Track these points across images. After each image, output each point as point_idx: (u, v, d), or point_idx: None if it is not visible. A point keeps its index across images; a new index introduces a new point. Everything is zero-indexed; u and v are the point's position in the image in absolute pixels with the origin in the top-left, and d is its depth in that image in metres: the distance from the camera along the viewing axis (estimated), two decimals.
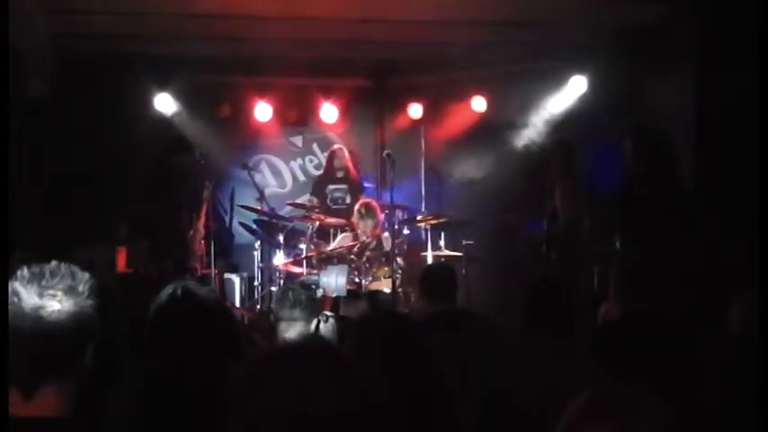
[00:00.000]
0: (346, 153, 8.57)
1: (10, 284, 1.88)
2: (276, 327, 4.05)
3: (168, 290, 2.82)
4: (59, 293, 1.87)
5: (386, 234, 7.57)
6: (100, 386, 2.17)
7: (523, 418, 2.97)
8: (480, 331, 4.29)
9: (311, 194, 8.60)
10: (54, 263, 1.92)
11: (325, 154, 9.13)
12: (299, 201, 8.55)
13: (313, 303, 4.12)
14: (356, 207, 7.58)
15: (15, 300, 1.85)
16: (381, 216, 7.58)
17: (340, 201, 8.42)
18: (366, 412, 1.44)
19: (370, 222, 7.41)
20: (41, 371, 1.87)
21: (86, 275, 1.94)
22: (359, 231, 7.48)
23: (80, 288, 1.90)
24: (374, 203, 7.67)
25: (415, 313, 6.10)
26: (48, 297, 1.86)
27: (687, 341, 3.39)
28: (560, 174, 7.00)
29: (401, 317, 2.54)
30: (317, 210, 7.95)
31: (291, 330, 3.93)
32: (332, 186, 8.51)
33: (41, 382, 1.87)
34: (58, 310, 1.86)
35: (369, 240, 7.43)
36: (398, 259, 7.35)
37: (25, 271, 1.89)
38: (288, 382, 1.44)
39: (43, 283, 1.87)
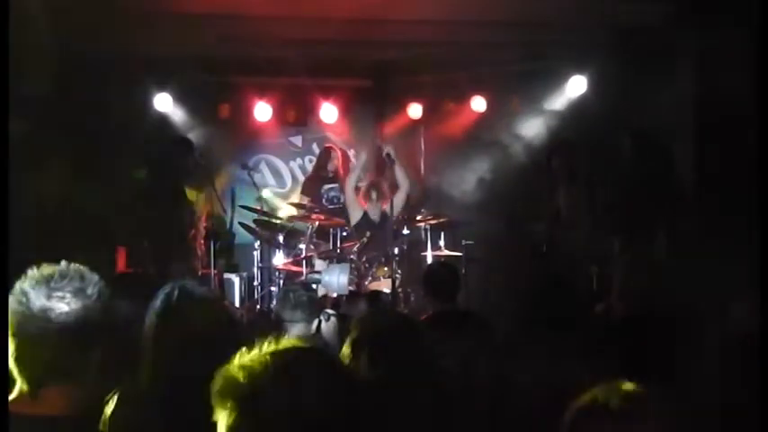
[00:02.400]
0: (339, 152, 8.60)
1: (19, 285, 1.88)
2: (278, 327, 4.06)
3: (165, 289, 2.83)
4: (68, 296, 1.87)
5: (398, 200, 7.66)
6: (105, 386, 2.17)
7: (524, 417, 2.97)
8: (482, 331, 4.30)
9: (302, 194, 8.55)
10: (64, 264, 1.92)
11: None
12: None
13: (314, 304, 4.12)
14: (362, 186, 7.69)
15: (24, 300, 1.86)
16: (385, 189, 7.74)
17: (335, 200, 8.41)
18: (357, 413, 1.44)
19: (374, 194, 7.58)
20: (48, 371, 1.88)
21: (95, 277, 1.94)
22: (367, 207, 7.60)
23: (88, 291, 1.90)
24: (380, 177, 7.84)
25: (416, 312, 6.11)
26: (56, 299, 1.86)
27: (687, 341, 3.39)
28: (563, 174, 7.00)
29: (401, 316, 2.54)
30: (316, 210, 7.95)
31: (293, 331, 3.93)
32: (327, 186, 8.49)
33: (48, 382, 1.87)
34: (66, 313, 1.86)
35: (366, 241, 7.47)
36: (398, 259, 7.37)
37: (35, 272, 1.89)
38: (277, 383, 1.44)
39: (52, 284, 1.87)
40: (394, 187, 7.72)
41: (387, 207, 7.38)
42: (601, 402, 1.64)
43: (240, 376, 1.50)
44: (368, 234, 7.54)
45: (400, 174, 7.76)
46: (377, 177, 7.89)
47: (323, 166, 8.49)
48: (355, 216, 7.80)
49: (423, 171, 8.72)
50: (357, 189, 7.88)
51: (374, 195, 7.64)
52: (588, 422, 1.61)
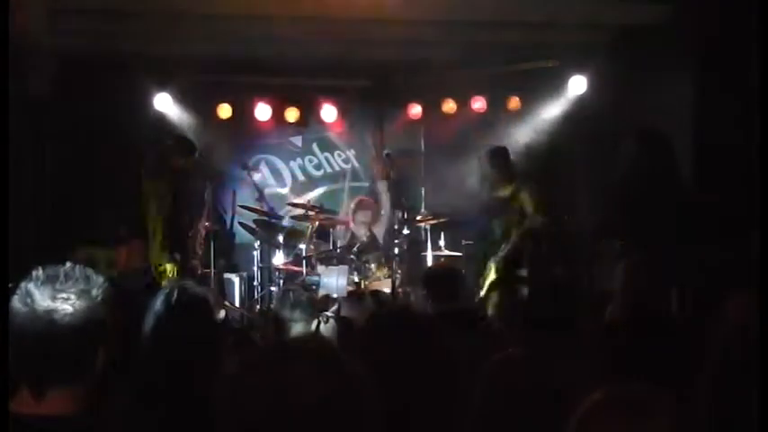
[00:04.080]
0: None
1: (24, 285, 1.88)
2: (277, 327, 4.06)
3: (164, 290, 2.83)
4: (72, 297, 1.87)
5: (380, 220, 7.68)
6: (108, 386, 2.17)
7: (526, 418, 2.97)
8: (486, 331, 4.30)
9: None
10: (69, 265, 1.92)
11: (325, 154, 9.27)
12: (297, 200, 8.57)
13: (313, 304, 4.13)
14: (352, 206, 7.74)
15: (28, 301, 1.85)
16: (375, 207, 7.75)
17: None
18: (354, 410, 1.44)
19: (362, 214, 7.59)
20: (52, 373, 1.88)
21: (100, 279, 1.94)
22: (353, 227, 7.62)
23: (93, 292, 1.90)
24: (369, 199, 7.81)
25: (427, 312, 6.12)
26: (60, 300, 1.86)
27: (690, 341, 3.38)
28: (503, 179, 7.10)
29: (419, 316, 2.53)
30: (315, 210, 7.96)
31: (292, 331, 3.94)
32: None
33: (52, 383, 1.87)
34: (71, 314, 1.86)
35: (366, 240, 7.50)
36: (398, 259, 7.38)
37: (40, 272, 1.89)
38: (272, 379, 1.44)
39: (57, 285, 1.87)
40: (377, 214, 7.77)
41: (372, 228, 7.51)
42: (614, 398, 1.64)
43: (242, 372, 1.50)
44: (367, 235, 7.57)
45: (385, 200, 7.80)
46: (364, 199, 7.92)
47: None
48: (343, 238, 7.85)
49: (423, 171, 8.71)
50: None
51: (360, 217, 7.68)
52: (599, 422, 1.61)
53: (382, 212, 7.85)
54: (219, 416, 1.48)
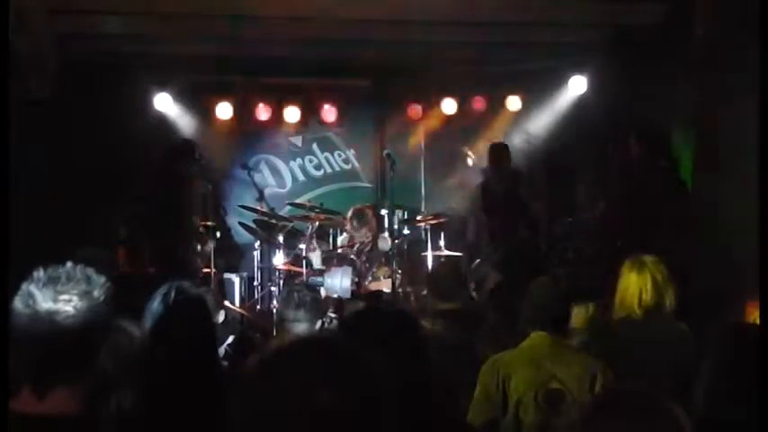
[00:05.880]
0: None
1: (25, 286, 1.88)
2: (280, 327, 4.06)
3: (162, 290, 2.84)
4: (74, 298, 1.87)
5: (384, 234, 7.63)
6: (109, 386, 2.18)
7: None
8: (486, 330, 4.31)
9: None
10: (70, 265, 1.92)
11: (325, 154, 9.27)
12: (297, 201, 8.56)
13: (318, 305, 4.12)
14: (348, 216, 7.69)
15: (30, 302, 1.86)
16: (374, 220, 7.72)
17: None
18: (369, 407, 1.44)
19: (363, 230, 7.56)
20: (54, 373, 1.88)
21: (102, 279, 1.94)
22: (355, 236, 7.61)
23: (95, 293, 1.90)
24: (365, 209, 7.77)
25: (421, 311, 6.12)
26: (62, 302, 1.86)
27: (688, 341, 3.39)
28: (503, 174, 7.16)
29: (406, 314, 2.54)
30: (316, 210, 7.96)
31: (296, 331, 3.93)
32: None
33: (54, 383, 1.87)
34: (72, 315, 1.86)
35: (367, 241, 7.49)
36: (398, 259, 7.37)
37: (41, 273, 1.89)
38: (290, 376, 1.44)
39: (58, 287, 1.87)
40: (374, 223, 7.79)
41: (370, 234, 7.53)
42: (615, 402, 1.65)
43: (257, 368, 1.49)
44: (369, 236, 7.56)
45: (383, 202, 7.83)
46: (358, 208, 7.93)
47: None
48: (341, 240, 7.86)
49: (423, 171, 8.71)
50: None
51: (356, 223, 7.67)
52: (603, 421, 1.62)
53: (375, 221, 7.84)
54: (238, 413, 1.47)
